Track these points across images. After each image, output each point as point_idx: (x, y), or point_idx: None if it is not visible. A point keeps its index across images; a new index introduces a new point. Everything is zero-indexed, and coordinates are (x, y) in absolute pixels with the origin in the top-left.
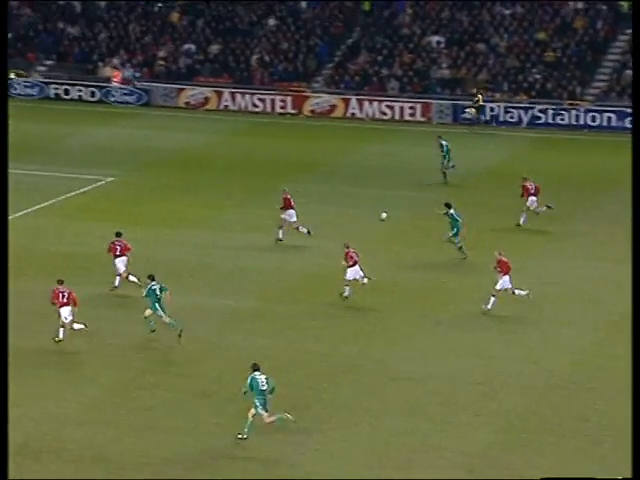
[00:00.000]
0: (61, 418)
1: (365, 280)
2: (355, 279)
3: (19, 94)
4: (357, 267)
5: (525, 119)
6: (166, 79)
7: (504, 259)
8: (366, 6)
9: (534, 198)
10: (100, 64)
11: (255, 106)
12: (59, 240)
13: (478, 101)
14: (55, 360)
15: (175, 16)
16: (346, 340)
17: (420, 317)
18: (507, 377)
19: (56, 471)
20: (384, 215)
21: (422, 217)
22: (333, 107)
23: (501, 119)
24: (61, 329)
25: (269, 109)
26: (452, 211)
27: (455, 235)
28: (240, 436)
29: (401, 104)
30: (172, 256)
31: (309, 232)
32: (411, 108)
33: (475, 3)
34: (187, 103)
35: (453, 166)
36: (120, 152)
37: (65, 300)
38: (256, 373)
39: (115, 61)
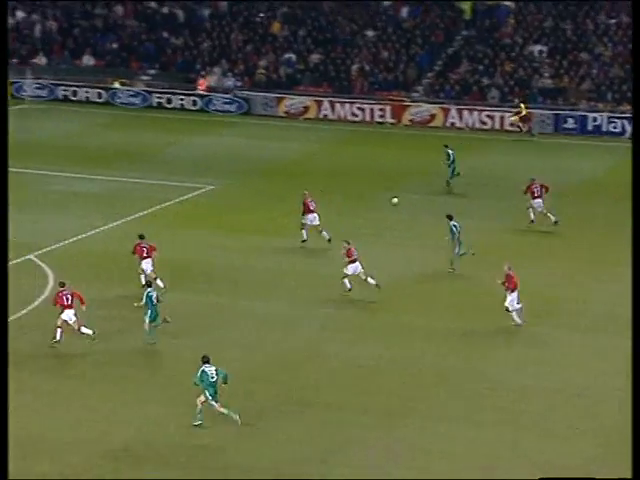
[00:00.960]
0: (162, 422)
1: (370, 280)
2: (356, 274)
3: (123, 103)
4: (357, 263)
5: (629, 129)
6: (266, 88)
7: (512, 274)
8: (467, 15)
9: (539, 201)
10: (202, 73)
11: (354, 115)
12: (157, 247)
13: (520, 112)
14: (150, 364)
15: (276, 26)
16: (441, 349)
17: (517, 328)
18: (606, 390)
19: (156, 475)
20: (395, 200)
21: (519, 228)
22: (432, 116)
23: (604, 129)
24: (58, 330)
25: (368, 118)
26: (452, 222)
27: (459, 246)
28: (195, 423)
29: (502, 114)
30: (270, 264)
31: (329, 240)
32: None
33: (579, 12)
34: (287, 112)
35: (458, 173)
36: (220, 160)
37: (69, 303)
38: (206, 365)
39: (216, 70)
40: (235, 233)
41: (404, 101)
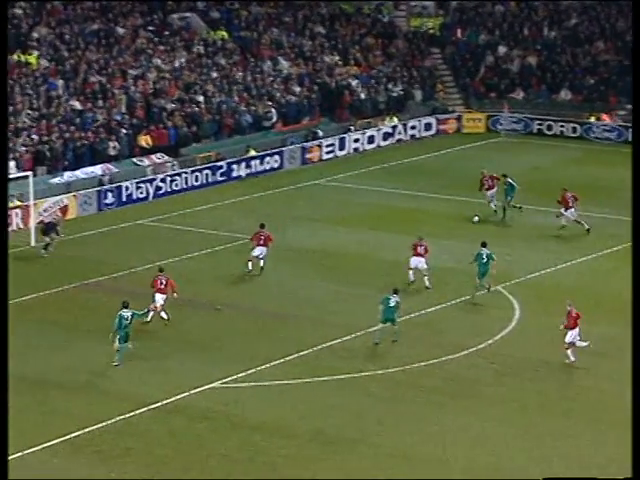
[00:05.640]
0: (575, 458)
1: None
2: (416, 267)
3: (597, 138)
4: (419, 258)
5: None
6: None
7: (573, 311)
8: None
9: (572, 210)
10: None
11: None
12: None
13: None
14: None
15: None
16: None
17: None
18: None
19: None
20: (476, 219)
21: None
22: None
23: None
24: (151, 312)
25: None
26: (483, 250)
27: (481, 276)
28: (114, 364)
29: None
30: None
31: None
32: None
33: None
34: None
35: (515, 206)
36: None
37: (162, 287)
38: (124, 310)
39: None
40: None
41: None
